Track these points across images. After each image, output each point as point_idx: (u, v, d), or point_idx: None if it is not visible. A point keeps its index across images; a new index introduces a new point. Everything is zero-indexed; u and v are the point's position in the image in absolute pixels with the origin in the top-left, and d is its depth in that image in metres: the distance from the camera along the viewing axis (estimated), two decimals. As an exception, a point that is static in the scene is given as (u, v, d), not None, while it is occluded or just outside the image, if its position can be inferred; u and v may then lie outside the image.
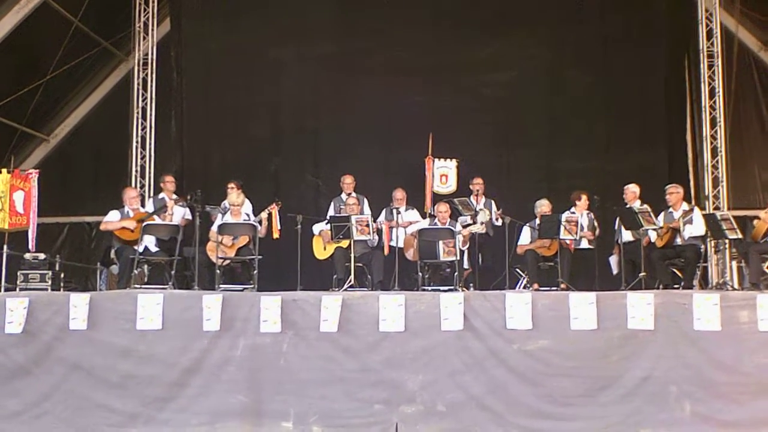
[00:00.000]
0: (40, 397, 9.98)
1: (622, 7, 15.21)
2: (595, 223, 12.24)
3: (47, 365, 10.03)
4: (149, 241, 11.72)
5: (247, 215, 12.16)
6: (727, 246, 12.96)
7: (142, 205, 12.77)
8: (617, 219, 11.91)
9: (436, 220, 12.15)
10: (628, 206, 11.86)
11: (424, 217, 12.85)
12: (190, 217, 12.39)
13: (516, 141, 15.17)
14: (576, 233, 11.42)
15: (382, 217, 12.61)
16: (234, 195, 12.17)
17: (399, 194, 12.84)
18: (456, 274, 11.19)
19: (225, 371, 9.85)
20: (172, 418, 9.79)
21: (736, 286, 12.22)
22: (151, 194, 14.76)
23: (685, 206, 11.73)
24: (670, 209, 11.78)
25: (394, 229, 12.27)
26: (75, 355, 10.00)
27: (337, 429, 9.66)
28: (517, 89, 15.18)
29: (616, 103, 15.09)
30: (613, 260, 12.29)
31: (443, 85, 15.14)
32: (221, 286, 10.92)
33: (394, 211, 12.33)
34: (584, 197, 12.33)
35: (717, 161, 14.68)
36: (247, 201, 12.37)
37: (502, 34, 15.20)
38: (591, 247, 12.03)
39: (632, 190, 12.28)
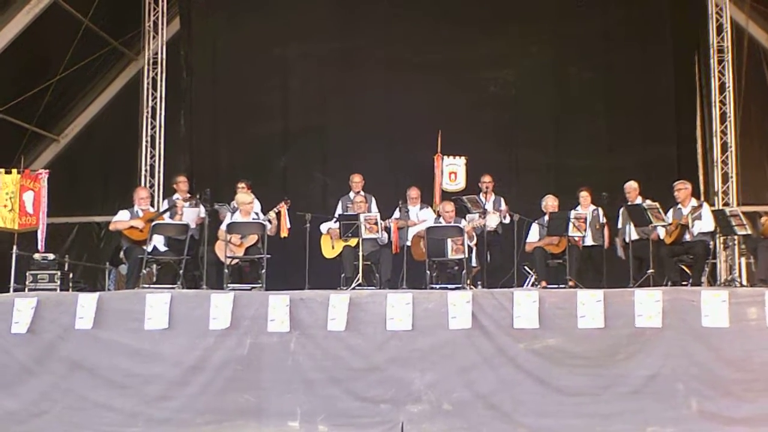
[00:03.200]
0: (40, 397, 10.01)
1: (624, 2, 15.22)
2: (601, 219, 12.15)
3: (49, 365, 10.06)
4: (158, 241, 11.72)
5: (257, 214, 12.16)
6: (736, 242, 12.92)
7: (152, 206, 12.76)
8: (620, 215, 11.87)
9: (441, 219, 12.14)
10: (636, 203, 11.84)
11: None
12: (204, 216, 12.38)
13: (523, 138, 15.14)
14: (585, 230, 11.42)
15: (397, 215, 12.57)
16: (244, 194, 12.17)
17: (413, 193, 12.84)
18: (464, 272, 11.17)
19: (232, 370, 9.85)
20: (177, 417, 9.80)
21: (744, 282, 12.18)
22: (161, 193, 14.79)
23: (694, 202, 11.68)
24: (679, 205, 11.73)
25: (404, 228, 12.29)
26: (79, 355, 10.03)
27: (343, 428, 9.65)
28: (522, 86, 15.19)
29: (625, 99, 15.02)
30: (619, 243, 12.22)
31: (449, 83, 15.12)
32: (229, 285, 10.92)
33: (403, 209, 12.35)
34: (584, 193, 12.31)
35: (727, 157, 14.62)
36: (256, 200, 12.39)
37: (505, 31, 15.20)
38: (598, 244, 12.00)
39: (633, 187, 12.22)
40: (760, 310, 9.50)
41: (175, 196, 13.06)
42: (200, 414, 9.80)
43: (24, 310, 10.05)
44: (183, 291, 10.70)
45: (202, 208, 12.57)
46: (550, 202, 12.14)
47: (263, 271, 11.06)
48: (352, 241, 11.62)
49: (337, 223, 11.81)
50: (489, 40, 15.11)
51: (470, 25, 15.11)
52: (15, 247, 11.82)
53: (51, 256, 12.11)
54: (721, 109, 14.76)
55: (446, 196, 13.08)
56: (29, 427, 9.94)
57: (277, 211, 12.17)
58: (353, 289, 10.89)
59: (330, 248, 12.16)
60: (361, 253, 11.38)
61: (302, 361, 9.87)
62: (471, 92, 15.17)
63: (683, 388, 9.38)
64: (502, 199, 12.94)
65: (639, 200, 11.95)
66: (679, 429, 9.30)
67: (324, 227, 12.27)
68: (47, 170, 12.66)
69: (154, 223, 11.42)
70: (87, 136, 17.48)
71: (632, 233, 11.69)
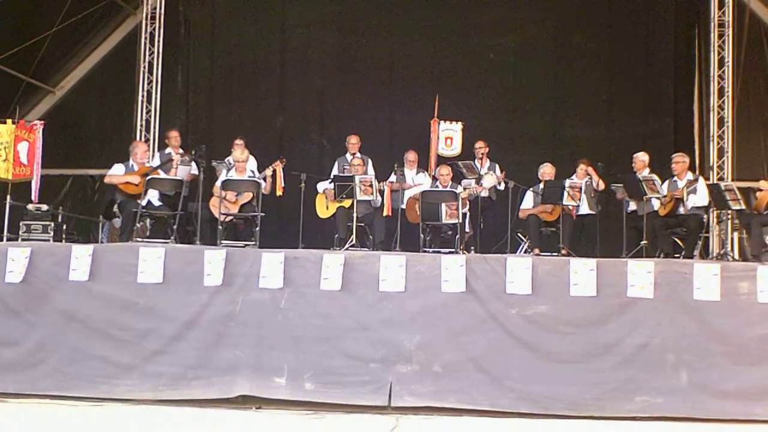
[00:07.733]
0: (36, 347, 9.98)
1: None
2: (596, 186, 12.19)
3: (44, 315, 10.02)
4: (152, 195, 11.68)
5: (252, 172, 12.14)
6: (729, 217, 12.96)
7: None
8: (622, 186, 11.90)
9: (437, 183, 12.13)
10: (632, 174, 11.87)
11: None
12: (196, 172, 12.35)
13: (521, 106, 15.18)
14: (579, 199, 11.44)
15: (392, 178, 12.53)
16: (239, 151, 12.15)
17: (411, 156, 12.88)
18: (457, 236, 11.17)
19: (224, 326, 9.84)
20: (167, 371, 9.80)
21: (736, 257, 12.22)
22: (156, 149, 14.72)
23: (689, 176, 11.72)
24: (675, 178, 11.75)
25: (399, 191, 12.28)
26: (73, 306, 9.99)
27: (330, 386, 9.64)
28: (522, 54, 15.23)
29: (623, 70, 15.08)
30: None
31: (450, 48, 15.18)
32: (223, 242, 10.89)
33: (399, 172, 12.33)
34: (582, 165, 12.37)
35: (723, 132, 14.61)
36: (252, 158, 12.36)
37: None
38: (592, 212, 12.04)
39: (641, 158, 12.25)
40: (751, 285, 9.53)
41: (167, 150, 13.02)
42: (191, 369, 9.80)
43: (18, 259, 10.02)
44: (177, 246, 10.66)
45: (194, 165, 12.54)
46: (547, 170, 12.12)
47: (257, 228, 11.05)
48: (346, 203, 11.61)
49: (333, 183, 11.79)
50: (491, 7, 15.12)
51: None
52: (8, 197, 11.78)
53: (44, 207, 12.03)
54: (719, 83, 14.72)
55: (441, 161, 13.05)
56: (25, 377, 9.91)
57: (272, 169, 12.14)
58: (346, 249, 10.87)
59: (324, 208, 12.19)
60: (355, 215, 11.36)
61: (292, 318, 9.84)
62: (471, 58, 15.19)
63: (673, 359, 9.43)
64: (497, 165, 12.98)
65: (647, 172, 11.94)
66: (669, 399, 9.35)
67: (320, 187, 12.28)
68: (42, 121, 12.57)
69: (149, 177, 11.38)
70: (83, 89, 17.28)
71: (631, 203, 11.77)
